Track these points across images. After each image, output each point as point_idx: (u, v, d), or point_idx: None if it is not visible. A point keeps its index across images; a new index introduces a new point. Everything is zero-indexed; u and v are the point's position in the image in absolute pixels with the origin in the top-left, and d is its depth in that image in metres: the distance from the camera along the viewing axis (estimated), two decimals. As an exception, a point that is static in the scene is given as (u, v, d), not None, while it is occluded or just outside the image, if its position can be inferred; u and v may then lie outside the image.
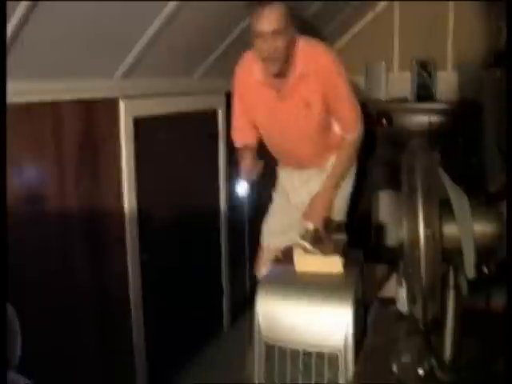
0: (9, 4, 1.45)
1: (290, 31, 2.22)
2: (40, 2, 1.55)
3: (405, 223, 1.17)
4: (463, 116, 3.60)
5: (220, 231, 3.18)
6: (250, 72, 2.41)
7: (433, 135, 3.62)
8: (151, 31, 2.12)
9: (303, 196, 2.54)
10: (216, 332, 3.22)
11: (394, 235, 3.53)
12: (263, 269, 2.50)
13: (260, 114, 2.47)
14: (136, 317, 2.49)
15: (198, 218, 2.95)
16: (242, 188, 2.46)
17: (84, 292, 2.20)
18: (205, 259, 3.08)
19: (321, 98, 2.32)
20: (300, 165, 2.57)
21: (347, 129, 2.43)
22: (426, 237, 1.16)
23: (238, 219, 2.87)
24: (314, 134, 2.43)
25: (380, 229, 3.64)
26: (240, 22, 2.63)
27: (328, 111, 2.37)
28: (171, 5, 2.06)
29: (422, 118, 3.67)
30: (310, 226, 1.71)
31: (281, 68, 2.26)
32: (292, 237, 2.30)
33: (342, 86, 2.35)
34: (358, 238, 3.40)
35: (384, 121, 3.64)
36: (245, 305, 2.64)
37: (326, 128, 2.44)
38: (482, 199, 1.25)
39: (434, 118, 3.66)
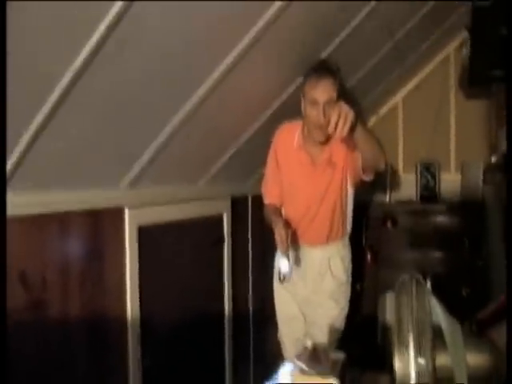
0: (21, 121, 1.54)
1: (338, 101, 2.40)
2: (52, 118, 1.63)
3: (396, 354, 1.17)
4: (467, 217, 3.63)
5: (224, 337, 3.15)
6: (290, 139, 2.64)
7: (438, 237, 3.64)
8: (157, 142, 2.20)
9: (310, 276, 2.70)
10: None
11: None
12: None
13: (294, 177, 2.68)
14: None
15: (202, 324, 2.92)
16: (284, 265, 2.47)
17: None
18: (208, 365, 3.03)
19: (344, 155, 2.56)
20: (313, 237, 2.69)
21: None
22: (418, 367, 1.15)
23: (243, 324, 2.85)
24: (335, 202, 2.64)
25: (386, 331, 3.58)
26: (242, 134, 2.74)
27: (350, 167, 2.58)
28: (176, 119, 2.15)
29: (426, 219, 3.70)
30: (309, 344, 1.69)
31: (326, 136, 2.48)
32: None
33: None
34: (364, 340, 3.35)
35: (389, 222, 3.67)
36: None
37: (343, 201, 2.67)
38: (474, 328, 1.25)
39: (439, 219, 3.69)
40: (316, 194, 2.64)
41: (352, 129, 2.11)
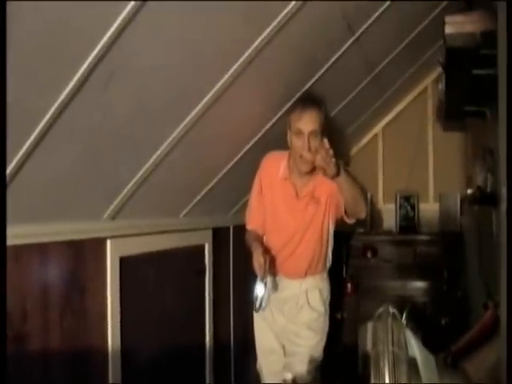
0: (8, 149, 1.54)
1: (323, 133, 2.45)
2: (35, 151, 1.64)
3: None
4: (446, 247, 3.69)
5: (205, 367, 3.13)
6: (275, 168, 2.65)
7: (417, 266, 3.69)
8: (139, 175, 2.21)
9: (288, 308, 2.69)
10: None
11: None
12: None
13: (277, 208, 2.67)
14: None
15: (183, 354, 2.91)
16: (259, 288, 2.48)
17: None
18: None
19: (328, 191, 2.56)
20: (291, 269, 2.69)
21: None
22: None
23: (225, 354, 2.84)
24: (317, 238, 2.64)
25: (367, 359, 3.60)
26: (224, 166, 2.78)
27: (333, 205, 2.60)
28: (158, 152, 2.18)
29: (405, 250, 3.75)
30: (289, 376, 1.70)
31: (311, 167, 2.50)
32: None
33: None
34: (344, 371, 3.37)
35: (369, 252, 3.71)
36: None
37: (324, 238, 2.66)
38: (449, 360, 1.28)
39: (418, 249, 3.74)
40: (298, 227, 2.64)
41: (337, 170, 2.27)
